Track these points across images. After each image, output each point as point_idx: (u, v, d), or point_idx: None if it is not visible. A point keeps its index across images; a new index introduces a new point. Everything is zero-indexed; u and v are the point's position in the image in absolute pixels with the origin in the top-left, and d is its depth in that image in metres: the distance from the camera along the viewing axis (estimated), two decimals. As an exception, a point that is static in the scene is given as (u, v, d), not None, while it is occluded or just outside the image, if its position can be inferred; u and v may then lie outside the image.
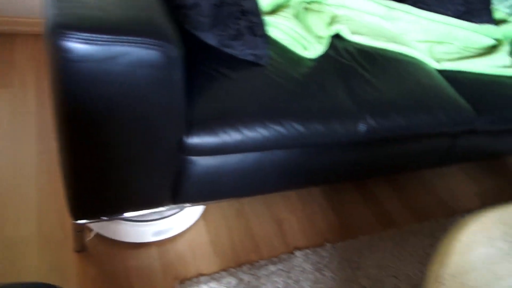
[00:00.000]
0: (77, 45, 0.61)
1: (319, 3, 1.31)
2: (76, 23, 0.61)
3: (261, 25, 1.04)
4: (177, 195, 1.02)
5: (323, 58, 1.14)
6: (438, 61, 1.33)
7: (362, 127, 1.04)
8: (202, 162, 0.98)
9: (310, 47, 1.11)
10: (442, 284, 0.66)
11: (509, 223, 0.79)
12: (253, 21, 1.01)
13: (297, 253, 1.24)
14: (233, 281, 1.13)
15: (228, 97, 0.93)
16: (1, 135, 1.31)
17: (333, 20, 1.23)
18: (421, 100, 1.14)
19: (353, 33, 1.24)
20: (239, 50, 1.00)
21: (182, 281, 1.09)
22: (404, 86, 1.16)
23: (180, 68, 0.72)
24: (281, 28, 1.11)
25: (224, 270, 1.15)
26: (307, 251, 1.26)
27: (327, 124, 0.99)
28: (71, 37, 0.60)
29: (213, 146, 0.91)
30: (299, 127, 0.96)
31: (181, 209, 1.15)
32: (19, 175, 1.21)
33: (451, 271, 0.68)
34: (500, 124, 1.27)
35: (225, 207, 1.32)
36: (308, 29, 1.18)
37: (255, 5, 1.03)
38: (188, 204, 1.05)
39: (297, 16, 1.19)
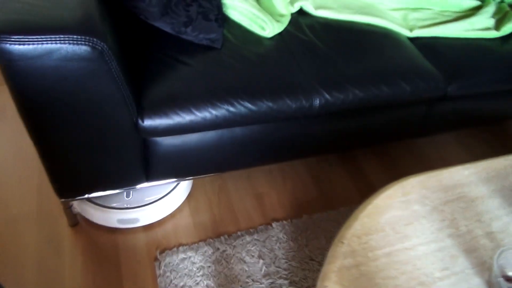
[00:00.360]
0: (12, 47, 0.72)
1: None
2: (7, 28, 0.71)
3: (215, 9, 1.10)
4: (149, 173, 1.12)
5: (282, 37, 1.17)
6: (411, 29, 1.31)
7: (316, 102, 1.07)
8: (165, 142, 1.07)
9: (267, 27, 1.14)
10: (343, 244, 0.70)
11: (431, 187, 0.81)
12: (204, 6, 1.07)
13: (274, 224, 1.31)
14: (209, 250, 1.23)
15: (179, 81, 1.00)
16: (6, 125, 1.50)
17: (296, -3, 1.25)
18: (382, 72, 1.15)
19: (318, 8, 1.25)
20: (193, 35, 1.07)
21: (162, 251, 1.21)
22: (366, 59, 1.16)
23: (112, 59, 0.80)
24: (239, 10, 1.16)
25: (202, 241, 1.25)
26: (284, 222, 1.32)
27: (278, 101, 1.04)
28: (5, 41, 0.71)
29: (169, 128, 0.99)
30: (249, 105, 1.02)
31: (149, 203, 1.23)
32: (21, 159, 1.39)
33: (356, 232, 0.72)
34: (473, 89, 1.24)
35: (208, 184, 1.41)
36: (269, 8, 1.21)
37: (209, -10, 1.08)
38: (158, 182, 1.16)
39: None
